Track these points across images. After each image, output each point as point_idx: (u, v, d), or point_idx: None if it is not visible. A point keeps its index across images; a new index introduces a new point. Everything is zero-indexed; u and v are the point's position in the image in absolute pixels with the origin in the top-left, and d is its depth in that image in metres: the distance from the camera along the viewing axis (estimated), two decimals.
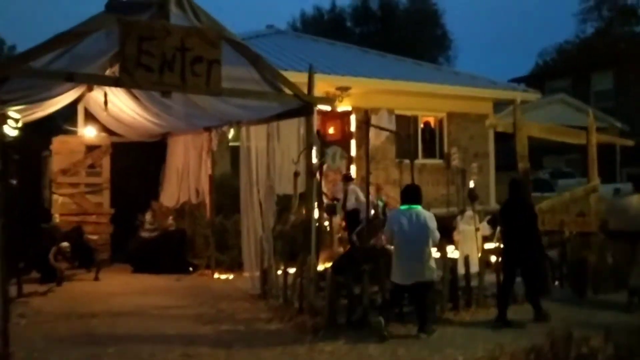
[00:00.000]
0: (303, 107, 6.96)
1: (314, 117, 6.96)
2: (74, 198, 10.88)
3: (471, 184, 10.46)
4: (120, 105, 9.34)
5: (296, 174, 7.25)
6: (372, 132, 13.92)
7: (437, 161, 15.26)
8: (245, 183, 8.26)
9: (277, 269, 7.72)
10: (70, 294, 8.40)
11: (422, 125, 15.31)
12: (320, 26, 39.34)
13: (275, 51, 13.83)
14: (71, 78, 5.79)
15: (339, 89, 13.33)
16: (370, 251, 8.31)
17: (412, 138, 14.42)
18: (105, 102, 8.50)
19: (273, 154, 7.69)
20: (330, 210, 11.58)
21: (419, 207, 6.47)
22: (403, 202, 6.56)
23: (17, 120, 7.84)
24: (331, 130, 14.72)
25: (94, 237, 10.92)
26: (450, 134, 15.49)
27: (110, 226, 11.10)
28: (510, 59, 73.17)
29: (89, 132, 10.95)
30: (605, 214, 7.95)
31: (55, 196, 10.73)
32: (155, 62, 6.01)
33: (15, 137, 8.14)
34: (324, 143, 6.97)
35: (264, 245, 7.94)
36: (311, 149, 6.89)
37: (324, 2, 47.70)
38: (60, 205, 10.74)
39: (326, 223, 11.61)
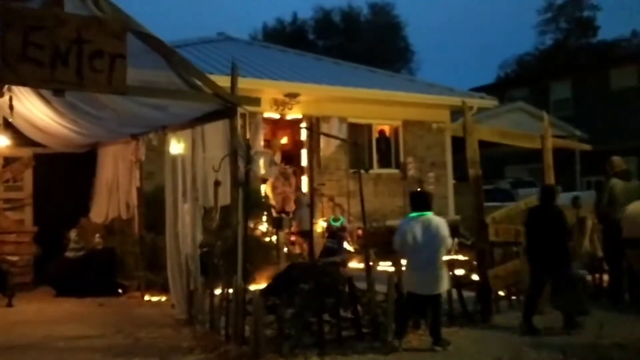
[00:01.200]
0: (228, 109, 6.18)
1: (237, 119, 6.17)
2: None
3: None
4: (33, 111, 8.40)
5: (216, 184, 6.46)
6: (323, 141, 13.33)
7: (393, 171, 14.67)
8: (169, 195, 7.41)
9: (204, 291, 6.88)
10: None
11: (377, 134, 14.68)
12: (282, 38, 38.71)
13: (222, 58, 13.08)
14: None
15: (287, 95, 12.63)
16: (311, 268, 7.55)
17: (363, 147, 13.80)
18: (11, 107, 7.56)
19: (200, 162, 6.88)
20: (277, 224, 10.83)
21: (430, 214, 6.23)
22: (413, 209, 6.30)
23: None
24: (284, 140, 14.02)
25: (14, 258, 9.88)
26: (406, 143, 14.90)
27: (33, 246, 10.07)
28: (471, 72, 73.85)
29: (4, 142, 9.93)
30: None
31: None
32: (46, 56, 5.18)
33: None
34: (250, 148, 6.15)
35: (189, 264, 7.09)
36: (235, 155, 6.10)
37: (286, 14, 47.06)
38: None
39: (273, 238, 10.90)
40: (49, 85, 5.36)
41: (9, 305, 8.47)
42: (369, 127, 14.49)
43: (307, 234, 9.57)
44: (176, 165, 7.35)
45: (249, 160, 6.00)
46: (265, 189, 12.66)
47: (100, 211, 10.24)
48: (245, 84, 11.93)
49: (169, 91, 5.92)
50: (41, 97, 7.77)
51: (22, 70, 5.09)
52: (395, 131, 14.96)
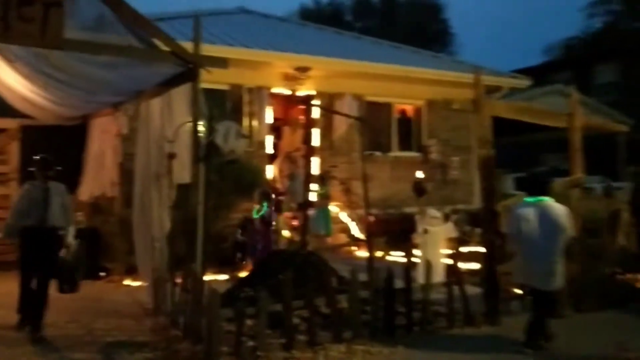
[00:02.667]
0: (189, 70, 5.32)
1: (199, 82, 5.31)
2: None
3: (418, 174, 8.80)
4: (7, 78, 7.74)
5: (170, 156, 5.64)
6: (336, 120, 12.40)
7: (413, 154, 13.61)
8: (140, 170, 6.64)
9: (169, 279, 6.11)
10: None
11: (397, 114, 13.61)
12: (318, 20, 37.74)
13: (229, 29, 12.29)
14: None
15: (298, 69, 11.71)
16: (292, 257, 6.70)
17: (380, 127, 12.79)
18: None
19: (165, 133, 6.06)
20: (276, 207, 10.00)
21: (548, 200, 5.61)
22: (529, 194, 5.68)
23: None
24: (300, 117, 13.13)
25: None
26: (429, 125, 13.79)
27: None
28: (514, 56, 70.91)
29: None
30: None
31: None
32: None
33: None
34: (213, 117, 5.30)
35: (156, 249, 6.32)
36: (196, 125, 5.26)
37: None
38: None
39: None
40: None
41: None
42: (388, 106, 13.44)
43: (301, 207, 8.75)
44: (149, 138, 6.57)
45: (211, 131, 5.15)
46: (273, 170, 11.88)
47: (86, 188, 9.58)
48: (252, 56, 11.28)
49: (117, 47, 5.11)
50: (6, 61, 7.11)
51: None
52: (417, 111, 13.87)
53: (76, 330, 5.94)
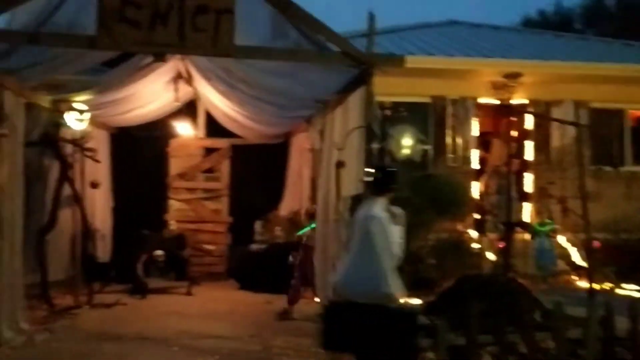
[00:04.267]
0: (362, 72, 4.89)
1: (372, 83, 4.82)
2: (190, 204, 10.10)
3: None
4: (214, 100, 8.22)
5: (338, 165, 5.17)
6: (555, 130, 11.00)
7: None
8: (323, 185, 6.37)
9: None
10: (132, 310, 7.39)
11: (631, 122, 11.59)
12: (545, 29, 35.18)
13: (433, 40, 11.75)
14: (36, 39, 4.65)
15: (507, 76, 10.61)
16: (487, 283, 5.79)
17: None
18: (177, 90, 7.45)
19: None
20: (479, 227, 9.06)
21: None
22: None
23: (81, 112, 7.18)
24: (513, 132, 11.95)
25: (210, 247, 10.02)
26: None
27: (227, 236, 10.09)
28: None
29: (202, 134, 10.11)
30: None
31: (171, 201, 10.03)
32: (144, 16, 4.60)
33: (82, 132, 7.56)
34: (386, 120, 4.76)
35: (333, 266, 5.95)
36: (370, 131, 4.77)
37: (549, 6, 42.69)
38: (176, 211, 10.02)
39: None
40: (146, 49, 4.80)
41: (188, 293, 8.40)
42: (619, 113, 11.51)
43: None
44: (328, 150, 6.28)
45: (384, 136, 4.62)
46: (479, 186, 10.91)
47: (286, 204, 9.77)
48: (456, 65, 10.55)
49: (288, 50, 4.89)
50: (206, 80, 7.50)
51: (118, 33, 4.58)
52: None
53: (255, 345, 5.82)
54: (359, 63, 4.79)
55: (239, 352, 5.57)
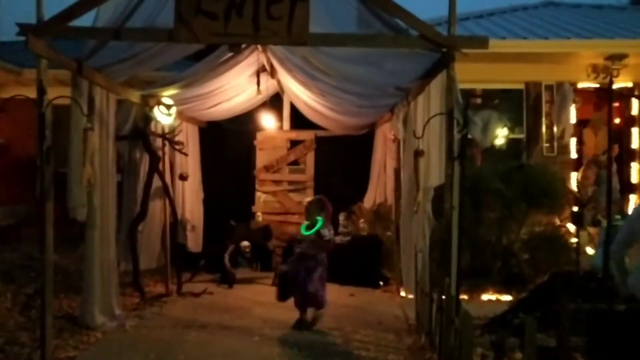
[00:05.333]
0: (443, 55, 4.64)
1: (453, 67, 4.56)
2: (276, 196, 10.20)
3: None
4: (297, 92, 8.21)
5: (417, 154, 4.92)
6: None
7: None
8: (406, 175, 6.18)
9: (429, 293, 5.46)
10: (219, 299, 7.54)
11: None
12: None
13: (527, 23, 11.16)
14: (118, 35, 4.78)
15: (609, 58, 9.83)
16: (583, 280, 5.36)
17: None
18: (258, 83, 7.49)
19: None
20: (577, 220, 8.47)
21: None
22: None
23: (169, 107, 7.39)
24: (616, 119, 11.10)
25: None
26: None
27: None
28: None
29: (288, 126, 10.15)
30: None
31: (258, 194, 10.17)
32: (220, 7, 4.61)
33: (170, 126, 7.79)
34: (468, 106, 4.49)
35: (418, 259, 5.76)
36: (451, 117, 4.53)
37: None
38: (263, 203, 10.15)
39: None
40: (222, 40, 4.80)
41: (273, 284, 8.45)
42: None
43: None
44: (410, 140, 6.07)
45: (466, 122, 4.36)
46: (577, 177, 10.22)
47: (370, 196, 9.63)
48: (551, 48, 9.91)
49: (363, 36, 4.73)
50: (287, 71, 7.49)
51: (196, 26, 4.62)
52: None
53: (335, 338, 5.75)
54: (438, 46, 4.54)
55: (318, 344, 5.53)
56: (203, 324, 6.19)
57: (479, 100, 10.26)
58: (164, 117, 7.32)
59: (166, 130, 7.76)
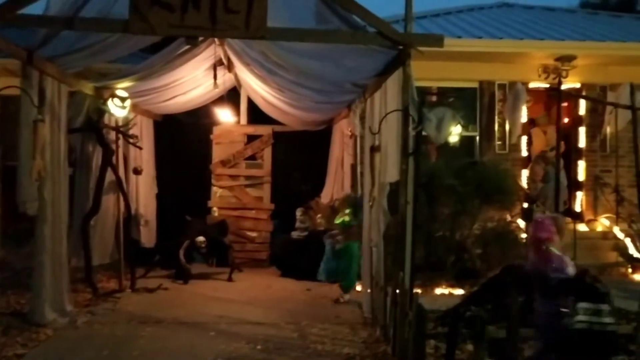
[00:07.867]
0: (399, 53, 4.72)
1: (409, 65, 4.64)
2: (233, 191, 10.13)
3: None
4: (254, 86, 8.18)
5: (373, 149, 5.00)
6: (610, 116, 10.49)
7: None
8: (367, 175, 6.23)
9: (384, 287, 5.54)
10: (174, 295, 7.46)
11: None
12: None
13: (481, 23, 11.40)
14: (70, 24, 4.66)
15: (559, 59, 10.15)
16: (532, 273, 5.53)
17: None
18: (215, 77, 7.44)
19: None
20: (526, 216, 8.74)
21: None
22: None
23: (123, 100, 7.26)
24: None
25: (253, 234, 10.04)
26: None
27: (270, 223, 10.08)
28: None
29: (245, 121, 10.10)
30: None
31: (214, 188, 10.09)
32: None
33: (125, 119, 7.65)
34: (423, 103, 4.58)
35: (373, 253, 5.84)
36: (406, 114, 4.60)
37: None
38: (219, 198, 10.07)
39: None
40: (179, 32, 4.75)
41: (229, 279, 8.43)
42: None
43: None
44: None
45: (421, 119, 4.44)
46: (526, 173, 10.53)
47: (327, 191, 9.69)
48: (504, 47, 10.15)
49: (321, 32, 4.76)
50: (244, 65, 7.46)
51: (152, 17, 4.56)
52: None
53: (291, 332, 5.78)
54: (395, 43, 4.61)
55: (274, 338, 5.53)
56: (158, 319, 6.12)
57: (434, 98, 10.43)
58: (118, 109, 7.17)
59: (120, 123, 7.61)
